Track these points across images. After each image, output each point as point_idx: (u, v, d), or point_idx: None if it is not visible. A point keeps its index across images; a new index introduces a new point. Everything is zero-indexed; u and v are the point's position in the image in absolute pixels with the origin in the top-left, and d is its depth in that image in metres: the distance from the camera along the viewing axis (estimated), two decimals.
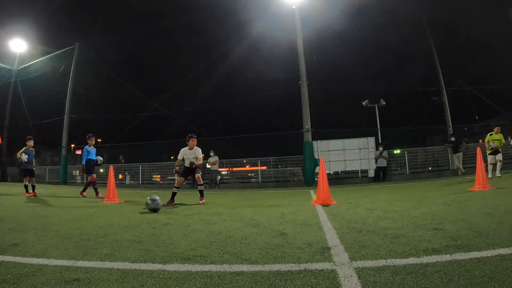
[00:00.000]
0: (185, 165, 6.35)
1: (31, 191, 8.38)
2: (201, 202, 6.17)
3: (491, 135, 9.51)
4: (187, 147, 6.40)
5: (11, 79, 21.59)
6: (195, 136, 6.47)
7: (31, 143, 8.63)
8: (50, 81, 20.05)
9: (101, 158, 8.49)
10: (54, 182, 18.60)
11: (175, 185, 6.35)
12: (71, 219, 4.14)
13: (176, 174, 6.96)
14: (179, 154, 6.44)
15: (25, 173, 8.62)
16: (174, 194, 6.19)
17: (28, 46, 21.22)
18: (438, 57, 16.00)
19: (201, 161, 6.40)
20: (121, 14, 20.95)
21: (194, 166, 6.20)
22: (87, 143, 8.21)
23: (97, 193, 7.90)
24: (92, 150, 8.27)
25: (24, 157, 8.29)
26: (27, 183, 8.52)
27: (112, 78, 18.75)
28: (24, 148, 8.54)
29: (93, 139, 8.38)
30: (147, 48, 20.59)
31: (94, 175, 8.21)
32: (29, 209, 5.31)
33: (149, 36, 19.80)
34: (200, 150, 6.41)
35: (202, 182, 6.40)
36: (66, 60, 19.33)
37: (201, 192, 6.39)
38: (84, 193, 8.12)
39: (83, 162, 8.16)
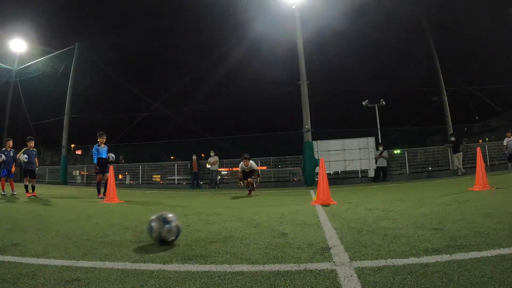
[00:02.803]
0: (245, 170, 8.59)
1: (31, 191, 8.37)
2: (250, 194, 8.57)
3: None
4: (243, 163, 8.50)
5: (11, 79, 21.58)
6: (247, 156, 8.53)
7: (31, 143, 8.59)
8: (50, 81, 20.04)
9: (112, 155, 7.92)
10: (54, 182, 18.60)
11: (245, 185, 8.65)
12: (71, 219, 4.14)
13: (240, 181, 8.89)
14: (239, 167, 8.64)
15: (26, 173, 8.59)
16: (249, 190, 8.71)
17: (28, 46, 21.20)
18: (438, 57, 16.01)
19: (257, 171, 9.02)
20: (121, 14, 20.95)
21: (248, 171, 8.58)
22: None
23: (99, 192, 7.82)
24: (102, 148, 7.88)
25: (23, 157, 8.26)
26: (27, 183, 8.51)
27: (112, 78, 18.76)
28: (25, 148, 8.53)
29: (104, 137, 7.93)
30: (147, 48, 20.59)
31: (104, 175, 7.79)
32: (29, 209, 5.31)
33: (149, 36, 19.79)
34: (254, 163, 8.65)
35: (253, 183, 8.66)
36: (66, 60, 19.34)
37: (249, 191, 8.74)
38: (101, 195, 7.73)
39: (94, 162, 7.79)
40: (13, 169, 8.86)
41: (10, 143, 8.85)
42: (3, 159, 8.43)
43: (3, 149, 8.85)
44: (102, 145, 7.93)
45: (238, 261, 2.05)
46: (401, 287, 1.52)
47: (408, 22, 16.99)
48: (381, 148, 14.10)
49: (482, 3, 15.32)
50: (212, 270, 1.88)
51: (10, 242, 2.69)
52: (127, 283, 1.70)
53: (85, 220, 4.03)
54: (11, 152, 8.77)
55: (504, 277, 1.55)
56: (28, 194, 8.19)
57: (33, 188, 8.47)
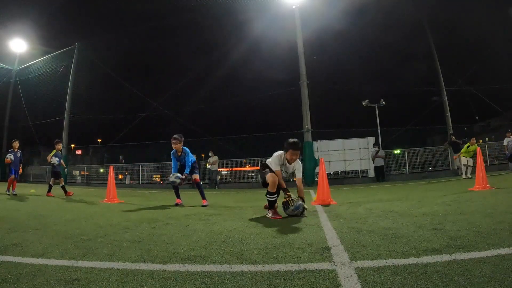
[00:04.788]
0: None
1: (65, 192, 8.59)
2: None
3: (468, 147, 10.08)
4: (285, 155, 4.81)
5: (11, 79, 21.59)
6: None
7: (59, 146, 8.84)
8: (50, 81, 20.07)
9: (178, 176, 5.68)
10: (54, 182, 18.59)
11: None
12: (71, 219, 4.14)
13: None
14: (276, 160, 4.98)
15: (54, 174, 8.84)
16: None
17: (28, 46, 21.22)
18: (438, 57, 16.01)
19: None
20: (121, 14, 20.97)
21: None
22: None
23: (178, 196, 6.10)
24: (181, 156, 5.86)
25: (55, 160, 8.53)
26: (52, 183, 8.81)
27: (112, 78, 18.79)
28: (54, 151, 8.71)
29: (176, 141, 5.72)
30: (147, 48, 20.63)
31: (191, 177, 5.91)
32: (29, 209, 5.31)
33: (149, 36, 19.83)
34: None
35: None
36: (66, 60, 19.36)
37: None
38: (180, 200, 6.05)
39: (174, 171, 5.86)
40: (20, 170, 8.96)
41: (17, 144, 8.95)
42: (11, 159, 8.58)
43: (10, 150, 8.97)
44: (179, 153, 5.85)
45: (238, 261, 2.05)
46: (401, 287, 1.52)
47: (408, 22, 17.01)
48: (376, 148, 14.10)
49: (482, 3, 15.34)
50: (212, 270, 1.88)
51: (10, 242, 2.69)
52: (127, 283, 1.70)
53: (85, 220, 4.03)
54: (18, 152, 8.88)
55: (504, 277, 1.55)
56: (50, 194, 8.41)
57: (64, 188, 8.73)
